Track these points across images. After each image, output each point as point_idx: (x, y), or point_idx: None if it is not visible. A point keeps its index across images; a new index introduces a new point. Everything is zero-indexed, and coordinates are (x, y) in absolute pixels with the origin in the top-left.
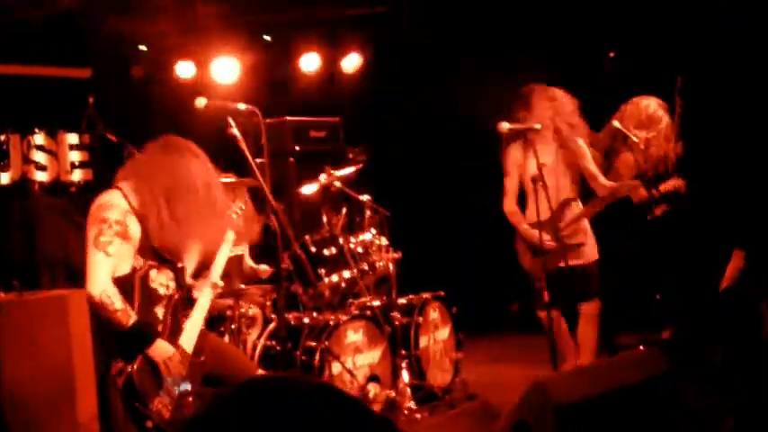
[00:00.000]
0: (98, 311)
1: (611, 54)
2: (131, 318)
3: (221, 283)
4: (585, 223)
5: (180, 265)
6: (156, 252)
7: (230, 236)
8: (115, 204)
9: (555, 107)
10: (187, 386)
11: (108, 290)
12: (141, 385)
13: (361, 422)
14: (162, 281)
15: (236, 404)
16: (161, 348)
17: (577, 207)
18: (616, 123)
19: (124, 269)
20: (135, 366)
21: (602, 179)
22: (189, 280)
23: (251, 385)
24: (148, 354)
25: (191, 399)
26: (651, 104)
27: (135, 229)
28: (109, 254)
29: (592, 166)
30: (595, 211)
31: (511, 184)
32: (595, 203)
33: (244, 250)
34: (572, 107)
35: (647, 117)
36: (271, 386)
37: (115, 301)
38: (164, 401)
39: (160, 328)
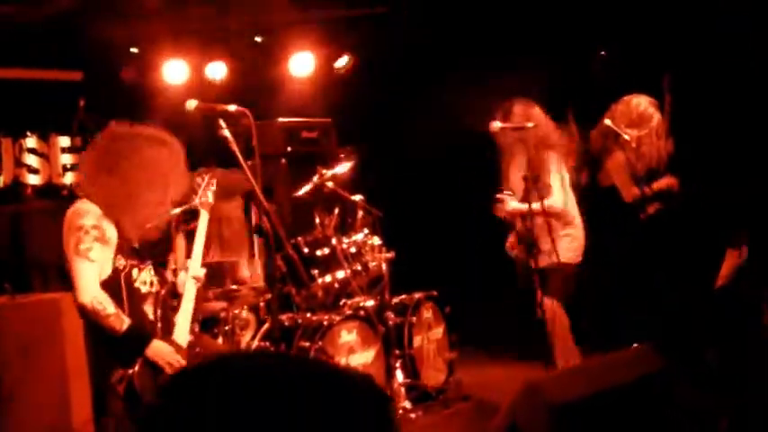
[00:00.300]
0: (91, 319)
1: (602, 53)
2: (125, 322)
3: (201, 273)
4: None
5: (173, 266)
6: (136, 251)
7: (204, 216)
8: (88, 210)
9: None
10: None
11: (98, 296)
12: (143, 387)
13: (338, 390)
14: (145, 278)
15: (199, 386)
16: (159, 348)
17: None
18: (607, 122)
19: (106, 272)
20: (135, 370)
21: (552, 198)
22: (171, 276)
23: (213, 366)
24: (147, 355)
25: None
26: (642, 102)
27: (111, 231)
28: (92, 260)
29: (549, 181)
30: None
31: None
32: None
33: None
34: (546, 125)
35: (638, 115)
36: (235, 365)
37: (107, 306)
38: None
39: (152, 326)
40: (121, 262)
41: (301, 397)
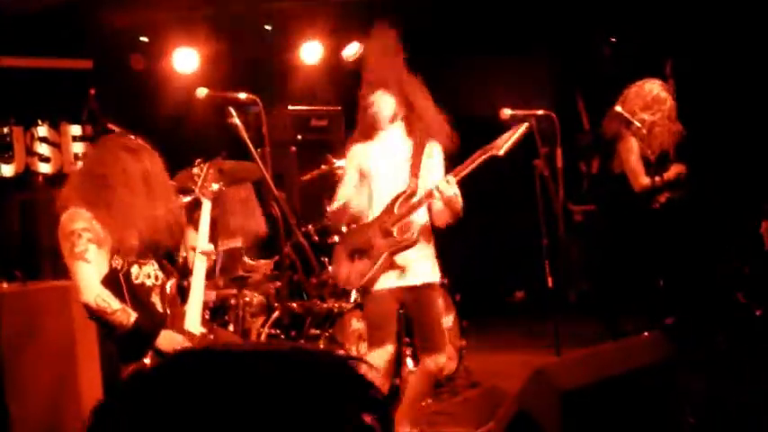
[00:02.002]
0: (97, 317)
1: (611, 39)
2: (131, 315)
3: (211, 247)
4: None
5: (183, 254)
6: (136, 247)
7: (206, 204)
8: (78, 215)
9: (413, 93)
10: None
11: (101, 294)
12: None
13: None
14: (148, 272)
15: (158, 381)
16: (169, 338)
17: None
18: (618, 109)
19: (104, 271)
20: (147, 362)
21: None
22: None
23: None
24: (158, 346)
25: None
26: (654, 87)
27: (103, 233)
28: (89, 260)
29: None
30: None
31: None
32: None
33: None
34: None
35: (653, 99)
36: (194, 361)
37: (111, 302)
38: None
39: (162, 317)
40: (118, 261)
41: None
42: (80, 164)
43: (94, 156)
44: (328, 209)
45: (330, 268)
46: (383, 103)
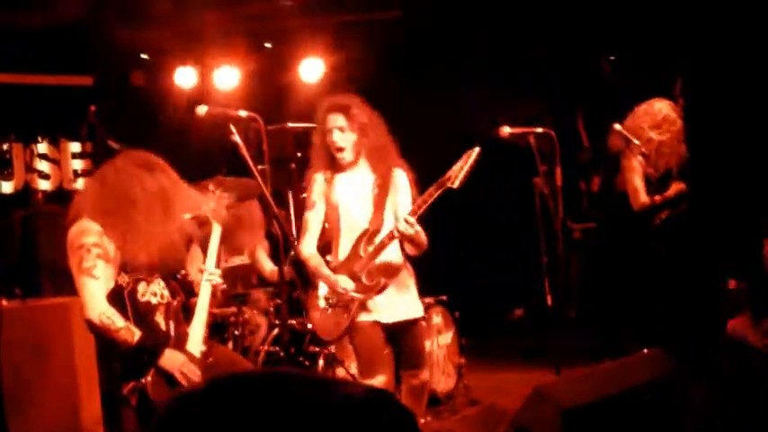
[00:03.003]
0: (101, 334)
1: (611, 57)
2: (136, 334)
3: (218, 277)
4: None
5: (183, 271)
6: (143, 265)
7: (217, 229)
8: (88, 229)
9: (371, 123)
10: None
11: (106, 311)
12: (158, 398)
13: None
14: (154, 290)
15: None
16: (172, 358)
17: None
18: (617, 127)
19: (110, 287)
20: (149, 380)
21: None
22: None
23: (217, 386)
24: (160, 365)
25: None
26: (664, 107)
27: (112, 248)
28: (96, 276)
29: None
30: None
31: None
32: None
33: (261, 253)
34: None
35: (663, 118)
36: (239, 386)
37: (115, 320)
38: None
39: (164, 337)
40: (125, 278)
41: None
42: (96, 175)
43: (113, 170)
44: (302, 250)
45: (307, 311)
46: (344, 138)
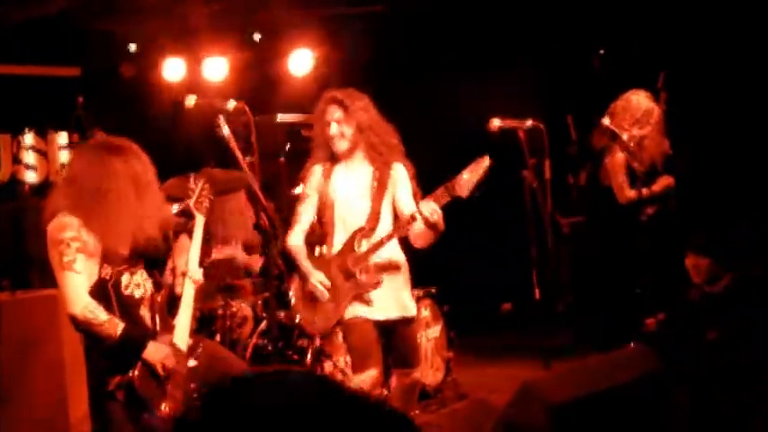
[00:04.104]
0: (85, 329)
1: (601, 51)
2: (119, 326)
3: (199, 276)
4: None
5: (170, 265)
6: (125, 256)
7: (200, 220)
8: (67, 223)
9: (370, 117)
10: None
11: (89, 305)
12: (145, 392)
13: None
14: (137, 281)
15: (226, 403)
16: (155, 350)
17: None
18: (606, 122)
19: (93, 281)
20: (135, 373)
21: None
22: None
23: (243, 382)
24: (145, 358)
25: (196, 396)
26: (642, 100)
27: (93, 241)
28: (77, 271)
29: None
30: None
31: None
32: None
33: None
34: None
35: (642, 113)
36: (264, 382)
37: (98, 314)
38: (171, 404)
39: (149, 330)
40: (108, 271)
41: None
42: (66, 169)
43: (80, 160)
44: (289, 240)
45: (292, 304)
46: (342, 131)
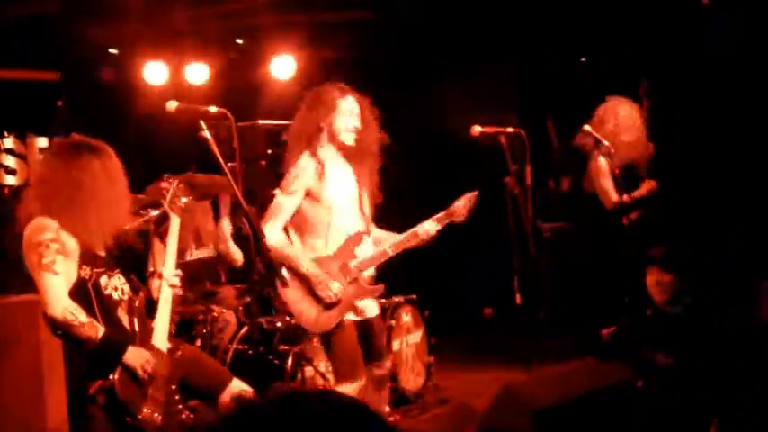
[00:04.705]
0: (64, 331)
1: (582, 59)
2: (100, 330)
3: (175, 280)
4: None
5: (150, 267)
6: (103, 258)
7: (175, 221)
8: (45, 225)
9: (370, 123)
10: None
11: (69, 306)
12: (126, 396)
13: None
14: (115, 284)
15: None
16: (136, 354)
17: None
18: (588, 128)
19: (72, 282)
20: (116, 377)
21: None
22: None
23: (250, 410)
24: (125, 362)
25: (178, 398)
26: (624, 107)
27: (71, 242)
28: (56, 272)
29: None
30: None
31: None
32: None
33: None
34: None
35: (623, 119)
36: (274, 409)
37: (78, 315)
38: (152, 407)
39: (128, 333)
40: (87, 271)
41: None
42: (38, 173)
43: (52, 162)
44: (272, 236)
45: (288, 302)
46: (357, 125)
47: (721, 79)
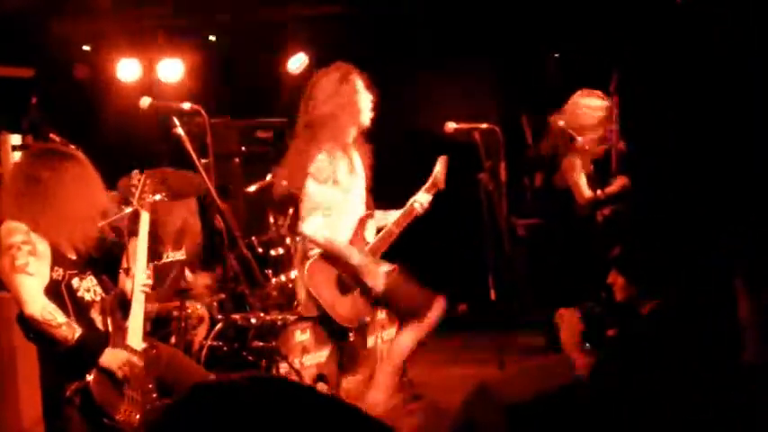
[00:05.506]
0: (41, 330)
1: (555, 54)
2: (76, 331)
3: (147, 279)
4: None
5: (124, 265)
6: (74, 261)
7: (145, 217)
8: (14, 228)
9: (347, 89)
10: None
11: (47, 306)
12: (102, 398)
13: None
14: (87, 286)
15: (189, 410)
16: (112, 355)
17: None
18: (561, 123)
19: (45, 284)
20: (91, 379)
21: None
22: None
23: (204, 389)
24: (101, 364)
25: (155, 397)
26: (595, 101)
27: (42, 244)
28: (30, 273)
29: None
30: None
31: None
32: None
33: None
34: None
35: (592, 113)
36: (225, 389)
37: (56, 315)
38: (130, 408)
39: (101, 334)
40: (59, 272)
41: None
42: (7, 178)
43: (24, 165)
44: (317, 232)
45: (321, 299)
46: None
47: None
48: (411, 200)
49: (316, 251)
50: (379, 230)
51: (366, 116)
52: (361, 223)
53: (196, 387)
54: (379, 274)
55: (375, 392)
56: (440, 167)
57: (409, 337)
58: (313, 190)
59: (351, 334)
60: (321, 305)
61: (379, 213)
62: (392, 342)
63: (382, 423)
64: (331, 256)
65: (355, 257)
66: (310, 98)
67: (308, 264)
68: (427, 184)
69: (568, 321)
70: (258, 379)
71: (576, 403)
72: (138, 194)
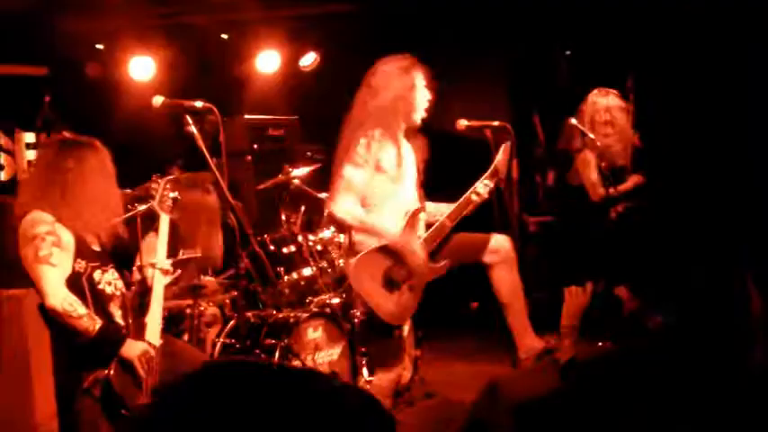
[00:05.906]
0: (62, 321)
1: (567, 52)
2: (97, 322)
3: (169, 266)
4: None
5: (138, 263)
6: (97, 253)
7: (165, 219)
8: (40, 219)
9: (405, 82)
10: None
11: (68, 297)
12: (122, 389)
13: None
14: (108, 279)
15: (186, 394)
16: (133, 347)
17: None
18: (573, 121)
19: (67, 275)
20: (111, 371)
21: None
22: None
23: (201, 374)
24: (122, 355)
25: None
26: (610, 100)
27: (66, 235)
28: (53, 264)
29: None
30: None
31: None
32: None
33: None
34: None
35: (608, 113)
36: (222, 372)
37: (77, 307)
38: (147, 400)
39: (120, 327)
40: (81, 264)
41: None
42: (32, 169)
43: (46, 157)
44: (348, 212)
45: (364, 295)
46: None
47: (708, 73)
48: (470, 191)
49: (362, 247)
50: (429, 226)
51: (419, 114)
52: (413, 217)
53: (207, 364)
54: (419, 252)
55: (529, 340)
56: (502, 154)
57: (505, 271)
58: (348, 171)
59: (396, 332)
60: (367, 303)
61: (431, 206)
62: (498, 284)
63: (387, 412)
64: (369, 237)
65: (389, 235)
66: (367, 85)
67: (353, 261)
68: (488, 173)
69: (575, 295)
70: (270, 365)
71: (585, 403)
72: (159, 198)
